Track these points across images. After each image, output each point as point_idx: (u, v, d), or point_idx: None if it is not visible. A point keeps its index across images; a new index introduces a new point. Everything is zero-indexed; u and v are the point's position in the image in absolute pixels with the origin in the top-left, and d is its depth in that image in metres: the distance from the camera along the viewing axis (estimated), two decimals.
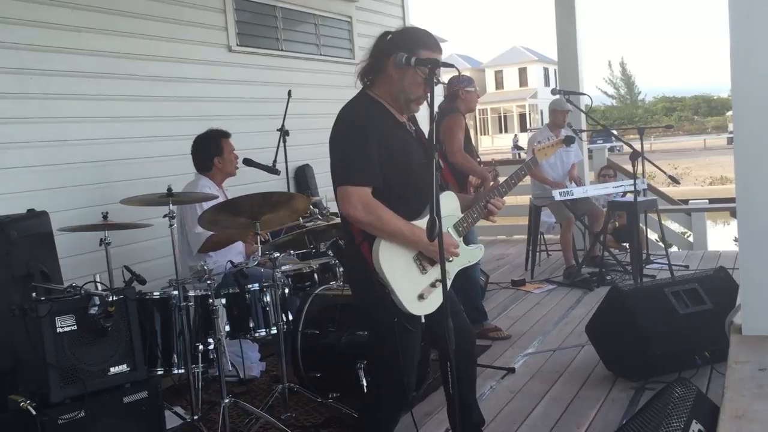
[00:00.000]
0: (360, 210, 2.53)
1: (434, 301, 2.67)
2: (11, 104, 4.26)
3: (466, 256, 2.83)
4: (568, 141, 3.57)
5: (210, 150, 4.47)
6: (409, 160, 2.66)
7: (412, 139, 2.78)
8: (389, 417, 2.82)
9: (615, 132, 7.44)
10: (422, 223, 2.54)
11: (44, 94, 4.43)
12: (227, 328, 3.66)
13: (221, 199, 4.10)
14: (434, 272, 2.68)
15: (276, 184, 5.73)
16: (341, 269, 4.39)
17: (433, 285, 2.67)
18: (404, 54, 2.55)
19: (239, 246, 4.52)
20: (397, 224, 2.59)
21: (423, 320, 2.67)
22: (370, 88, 2.76)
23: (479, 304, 5.22)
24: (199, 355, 3.54)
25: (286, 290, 3.90)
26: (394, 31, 2.77)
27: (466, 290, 5.10)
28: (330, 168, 2.70)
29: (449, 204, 2.81)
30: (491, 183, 4.98)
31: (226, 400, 3.43)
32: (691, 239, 8.53)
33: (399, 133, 2.72)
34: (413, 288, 2.63)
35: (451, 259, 2.71)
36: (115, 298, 3.00)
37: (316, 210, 4.90)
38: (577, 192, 6.41)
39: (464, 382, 2.95)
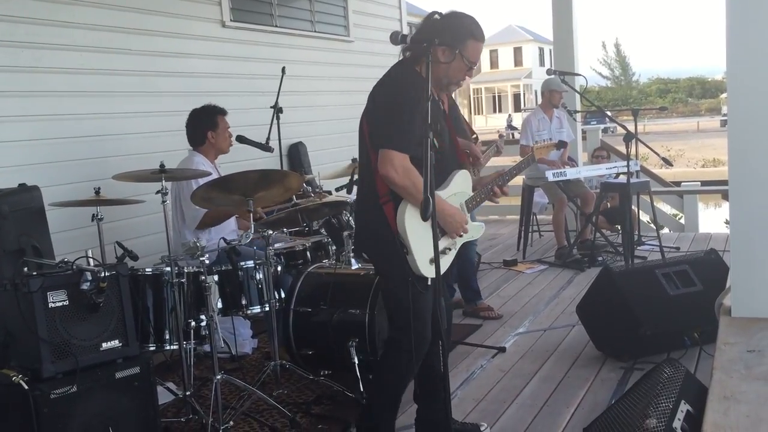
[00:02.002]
0: (400, 174, 2.70)
1: (442, 266, 2.84)
2: (2, 77, 4.21)
3: (471, 232, 3.03)
4: (560, 146, 3.95)
5: (204, 124, 4.45)
6: (439, 137, 2.88)
7: (443, 117, 3.02)
8: (408, 369, 2.97)
9: (609, 113, 7.42)
10: (443, 194, 2.88)
11: (36, 67, 4.39)
12: (219, 304, 3.67)
13: (214, 176, 4.08)
14: (444, 241, 2.91)
15: (269, 161, 5.71)
16: (334, 247, 4.39)
17: (443, 252, 2.90)
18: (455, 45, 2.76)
19: (232, 224, 4.51)
20: (437, 192, 2.78)
21: (429, 282, 2.86)
22: (416, 63, 2.87)
23: (474, 284, 5.26)
24: (191, 331, 3.55)
25: (279, 268, 3.90)
26: (445, 13, 2.90)
27: (462, 269, 5.14)
28: (372, 127, 2.86)
29: (465, 182, 3.05)
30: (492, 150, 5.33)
31: (218, 377, 3.44)
32: (682, 221, 8.57)
33: (435, 111, 2.86)
34: (428, 251, 2.78)
35: (461, 234, 2.93)
36: (107, 274, 2.99)
37: (309, 188, 4.90)
38: (571, 173, 6.40)
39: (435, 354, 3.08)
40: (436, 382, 2.94)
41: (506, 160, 9.13)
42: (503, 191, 3.17)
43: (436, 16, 2.85)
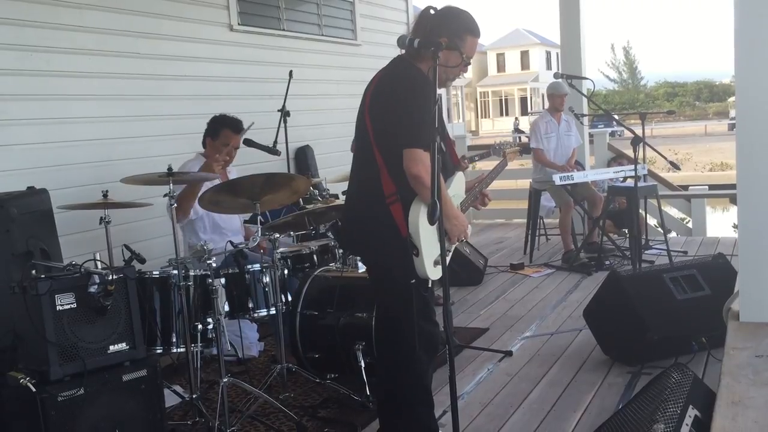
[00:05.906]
0: (428, 173, 2.59)
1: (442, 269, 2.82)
2: (11, 81, 4.24)
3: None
4: (524, 151, 4.14)
5: (210, 129, 4.47)
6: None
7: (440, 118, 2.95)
8: (425, 365, 2.96)
9: (616, 117, 7.41)
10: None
11: (45, 71, 4.41)
12: (226, 307, 3.67)
13: (217, 181, 4.09)
14: (446, 243, 2.83)
15: (276, 164, 5.72)
16: (340, 250, 4.39)
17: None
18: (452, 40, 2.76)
19: (237, 227, 4.52)
20: (447, 193, 2.77)
21: (430, 284, 2.85)
22: (417, 60, 2.83)
23: None
24: (198, 334, 3.55)
25: (286, 271, 3.91)
26: (440, 9, 2.87)
27: None
28: (386, 125, 2.77)
29: (460, 185, 3.02)
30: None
31: (225, 380, 3.44)
32: (690, 225, 8.54)
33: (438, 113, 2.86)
34: (433, 253, 2.77)
35: (463, 239, 2.91)
36: (114, 277, 2.99)
37: (316, 191, 4.90)
38: (578, 177, 6.40)
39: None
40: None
41: (514, 164, 9.12)
42: (487, 197, 3.17)
43: (431, 11, 2.83)
